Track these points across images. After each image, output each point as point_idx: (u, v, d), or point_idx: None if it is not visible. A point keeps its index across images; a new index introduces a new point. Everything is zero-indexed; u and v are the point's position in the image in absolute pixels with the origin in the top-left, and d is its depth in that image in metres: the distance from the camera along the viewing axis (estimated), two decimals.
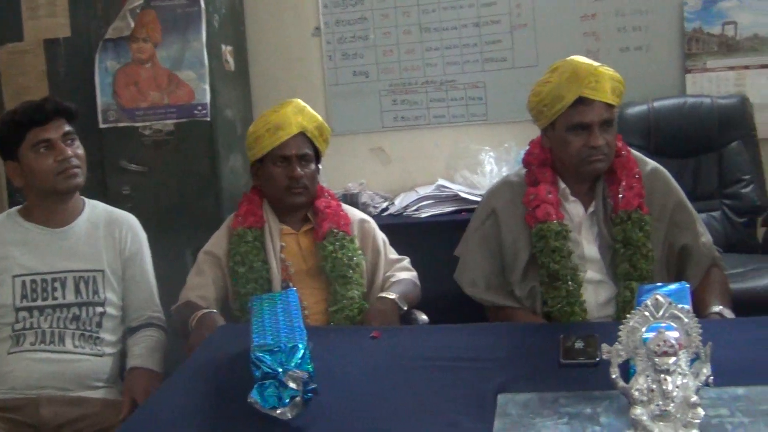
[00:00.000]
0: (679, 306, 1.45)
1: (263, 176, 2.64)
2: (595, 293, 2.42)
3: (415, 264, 2.80)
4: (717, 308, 2.31)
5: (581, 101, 2.33)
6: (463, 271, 2.56)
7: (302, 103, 2.66)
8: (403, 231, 3.68)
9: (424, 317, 2.70)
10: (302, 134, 2.60)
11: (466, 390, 1.78)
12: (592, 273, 2.43)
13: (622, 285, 2.37)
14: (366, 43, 4.46)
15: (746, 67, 4.13)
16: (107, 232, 2.60)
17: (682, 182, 3.83)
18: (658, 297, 1.46)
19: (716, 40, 4.13)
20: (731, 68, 4.14)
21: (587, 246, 2.45)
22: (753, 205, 3.89)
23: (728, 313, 2.30)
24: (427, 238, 3.73)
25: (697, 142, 3.96)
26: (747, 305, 3.06)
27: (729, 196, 3.93)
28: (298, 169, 2.57)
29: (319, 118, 2.67)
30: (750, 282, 3.43)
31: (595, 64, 2.39)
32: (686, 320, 1.44)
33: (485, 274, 2.51)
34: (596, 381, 1.71)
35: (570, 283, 2.37)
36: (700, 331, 1.46)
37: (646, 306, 1.46)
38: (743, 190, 3.90)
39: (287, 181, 2.58)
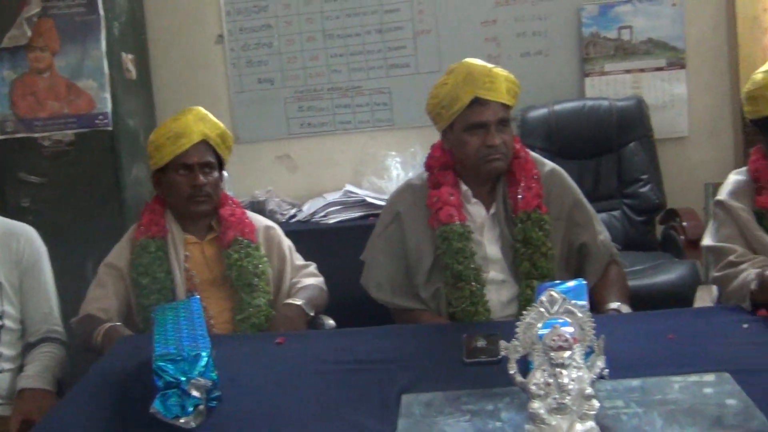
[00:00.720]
0: (573, 302, 1.49)
1: (165, 185, 2.60)
2: (498, 293, 2.46)
3: (323, 269, 2.80)
4: (615, 304, 2.37)
5: (477, 102, 2.36)
6: (369, 275, 2.57)
7: (203, 111, 2.63)
8: (311, 237, 3.70)
9: (331, 322, 2.70)
10: (204, 142, 2.57)
11: (370, 392, 1.79)
12: (494, 273, 2.47)
13: (524, 284, 2.42)
14: (270, 51, 4.45)
15: (642, 70, 4.27)
16: (4, 244, 2.53)
17: (584, 183, 3.96)
18: (553, 293, 1.49)
19: (613, 44, 4.26)
20: (628, 71, 4.27)
21: (489, 246, 2.49)
22: (651, 204, 4.02)
23: (626, 309, 2.36)
24: (335, 243, 3.74)
25: (596, 143, 4.07)
26: (647, 300, 3.15)
27: (628, 196, 4.05)
28: (201, 178, 2.54)
29: (221, 125, 2.65)
30: (649, 278, 3.54)
31: (489, 65, 2.43)
32: (580, 315, 1.48)
33: (390, 278, 2.53)
34: (498, 378, 1.73)
35: (473, 283, 2.40)
36: (594, 325, 1.50)
37: (542, 302, 1.50)
38: (641, 190, 4.03)
39: (190, 190, 2.55)
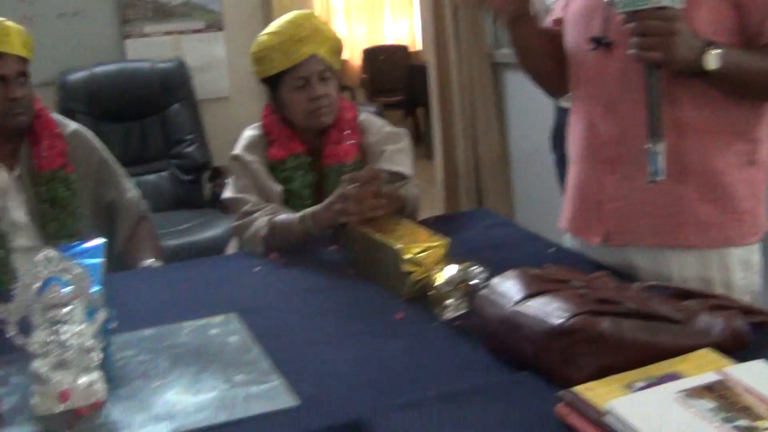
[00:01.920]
0: (69, 259, 1.51)
1: None
2: (28, 259, 2.39)
3: None
4: (148, 261, 2.44)
5: None
6: None
7: None
8: None
9: None
10: None
11: None
12: (22, 240, 2.41)
13: (54, 245, 2.38)
14: None
15: (182, 32, 4.35)
16: None
17: (130, 145, 3.98)
18: (49, 252, 1.50)
19: (151, 6, 4.29)
20: (168, 33, 4.33)
21: (15, 211, 2.41)
22: (197, 163, 4.15)
23: (157, 263, 2.44)
24: None
25: (140, 105, 4.10)
26: (195, 255, 3.26)
27: (175, 156, 4.14)
28: None
29: None
30: (198, 234, 3.69)
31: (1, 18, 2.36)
32: (77, 271, 1.50)
33: None
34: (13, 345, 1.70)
35: None
36: (90, 280, 1.53)
37: (38, 262, 1.50)
38: (187, 150, 4.14)
39: None
